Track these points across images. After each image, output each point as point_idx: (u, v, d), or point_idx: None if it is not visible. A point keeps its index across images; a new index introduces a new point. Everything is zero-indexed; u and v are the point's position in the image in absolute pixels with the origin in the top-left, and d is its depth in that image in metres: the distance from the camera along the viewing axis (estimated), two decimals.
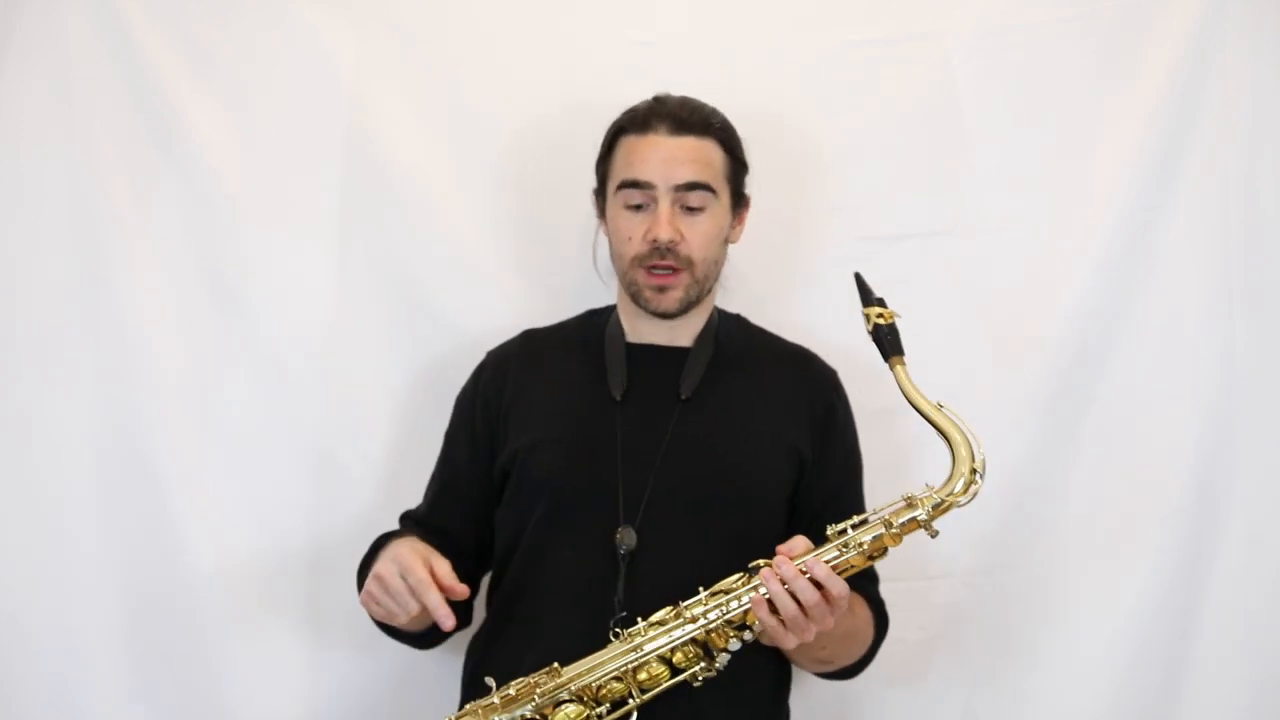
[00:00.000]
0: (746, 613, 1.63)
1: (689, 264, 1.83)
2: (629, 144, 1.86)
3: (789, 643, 1.63)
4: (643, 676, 1.65)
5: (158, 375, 2.13)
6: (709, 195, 1.84)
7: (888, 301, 2.16)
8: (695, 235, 1.83)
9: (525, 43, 2.21)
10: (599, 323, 1.96)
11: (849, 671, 1.89)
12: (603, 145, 1.92)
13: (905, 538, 1.66)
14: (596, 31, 2.22)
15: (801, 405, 1.89)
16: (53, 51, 2.10)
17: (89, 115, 2.11)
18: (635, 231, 1.83)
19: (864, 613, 1.85)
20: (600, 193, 1.93)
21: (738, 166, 1.91)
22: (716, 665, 1.65)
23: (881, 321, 1.71)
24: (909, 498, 1.66)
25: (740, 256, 2.22)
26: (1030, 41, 2.23)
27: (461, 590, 1.66)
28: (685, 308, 1.86)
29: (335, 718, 2.16)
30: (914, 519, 1.64)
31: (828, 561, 1.63)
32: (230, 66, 2.16)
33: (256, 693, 2.12)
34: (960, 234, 2.23)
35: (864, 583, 1.87)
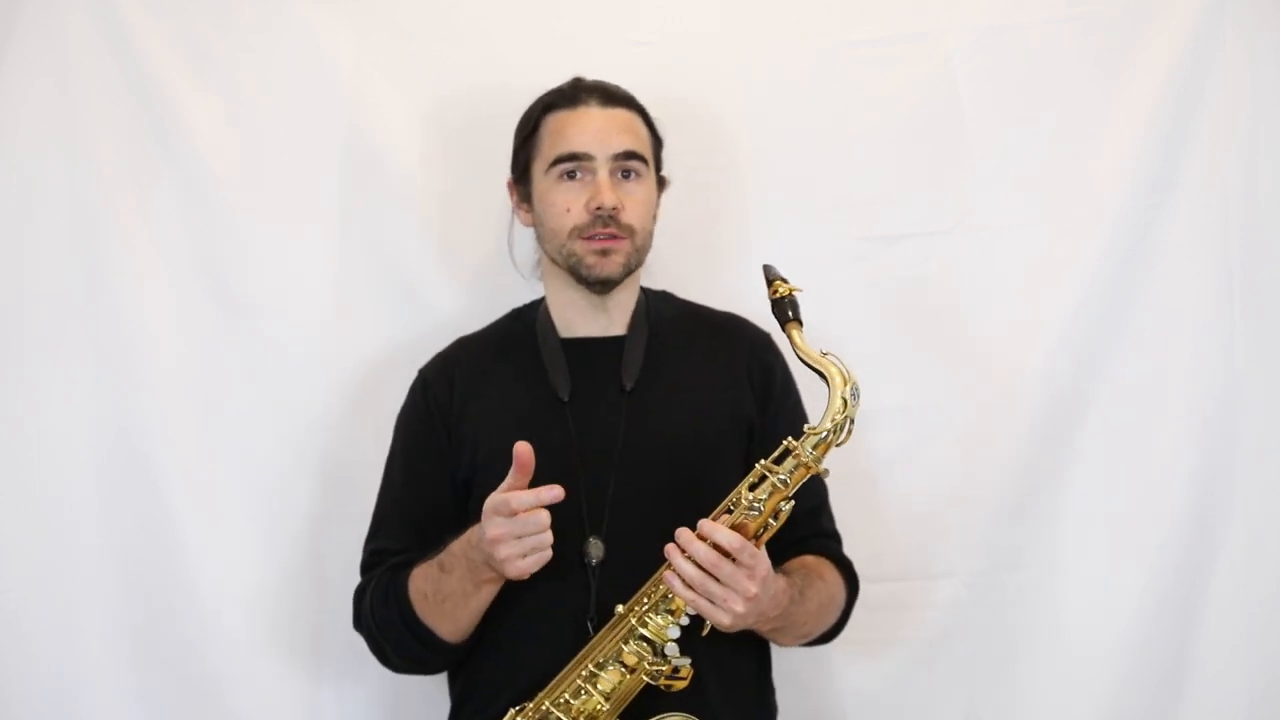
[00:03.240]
0: (667, 596, 1.62)
1: (630, 232, 1.82)
2: (558, 120, 1.85)
3: (722, 618, 1.59)
4: (604, 686, 1.65)
5: (158, 375, 2.13)
6: (643, 165, 1.85)
7: (875, 299, 2.17)
8: (634, 203, 1.83)
9: (525, 43, 2.21)
10: (528, 322, 1.93)
11: (827, 636, 1.87)
12: (523, 127, 1.90)
13: (798, 484, 1.63)
14: (596, 32, 2.21)
15: (740, 371, 1.89)
16: (53, 50, 2.09)
17: (89, 114, 2.11)
18: (574, 202, 1.81)
19: (834, 577, 1.84)
20: (522, 179, 1.90)
21: (658, 145, 1.92)
22: (669, 656, 1.63)
23: (783, 293, 1.69)
24: (788, 442, 1.63)
25: (738, 256, 2.22)
26: (1030, 41, 2.23)
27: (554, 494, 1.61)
28: (625, 274, 1.84)
29: (337, 715, 2.16)
30: (799, 461, 1.62)
31: (727, 525, 1.60)
32: (229, 65, 2.16)
33: (256, 692, 2.12)
34: (960, 234, 2.23)
35: (828, 543, 1.89)
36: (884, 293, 2.23)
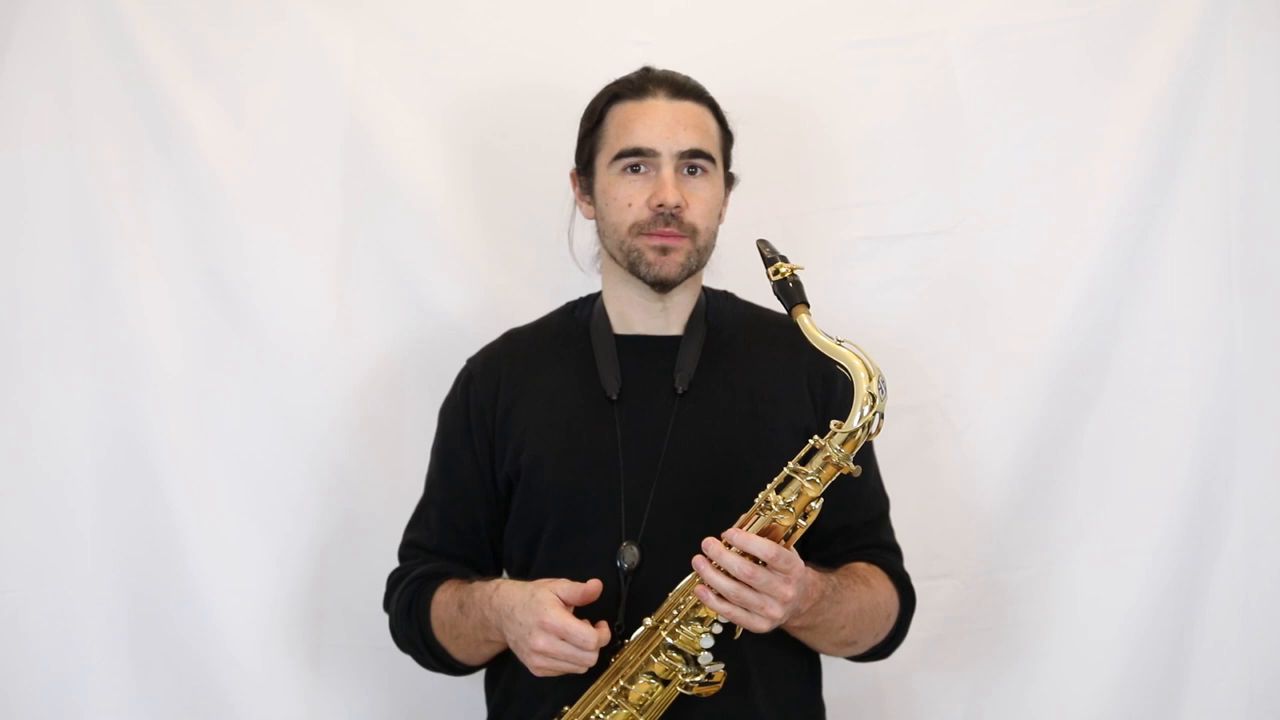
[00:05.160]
0: (698, 606, 1.58)
1: (692, 232, 1.75)
2: (625, 111, 1.77)
3: (758, 624, 1.55)
4: (635, 698, 1.62)
5: (157, 375, 2.13)
6: (709, 163, 1.77)
7: (875, 299, 2.16)
8: (698, 202, 1.75)
9: (525, 44, 2.21)
10: (582, 317, 1.87)
11: (880, 651, 1.80)
12: (589, 117, 1.82)
13: (827, 482, 1.58)
14: (597, 33, 2.21)
15: (800, 380, 1.80)
16: (53, 51, 2.10)
17: (89, 115, 2.11)
18: (636, 197, 1.74)
19: (884, 586, 1.77)
20: (585, 170, 1.83)
21: (727, 140, 1.84)
22: (703, 666, 1.60)
23: (785, 274, 1.63)
24: (815, 441, 1.58)
25: (738, 257, 2.22)
26: (1030, 42, 2.23)
27: (605, 635, 1.61)
28: (685, 275, 1.76)
29: (337, 715, 2.16)
30: (827, 459, 1.56)
31: (756, 530, 1.56)
32: (230, 66, 2.16)
33: (257, 692, 2.12)
34: (960, 234, 2.24)
35: (885, 555, 1.81)
36: (884, 293, 2.23)
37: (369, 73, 2.19)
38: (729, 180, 1.86)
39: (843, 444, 1.57)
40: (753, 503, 1.59)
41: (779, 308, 1.69)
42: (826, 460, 1.57)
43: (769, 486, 1.58)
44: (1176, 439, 2.21)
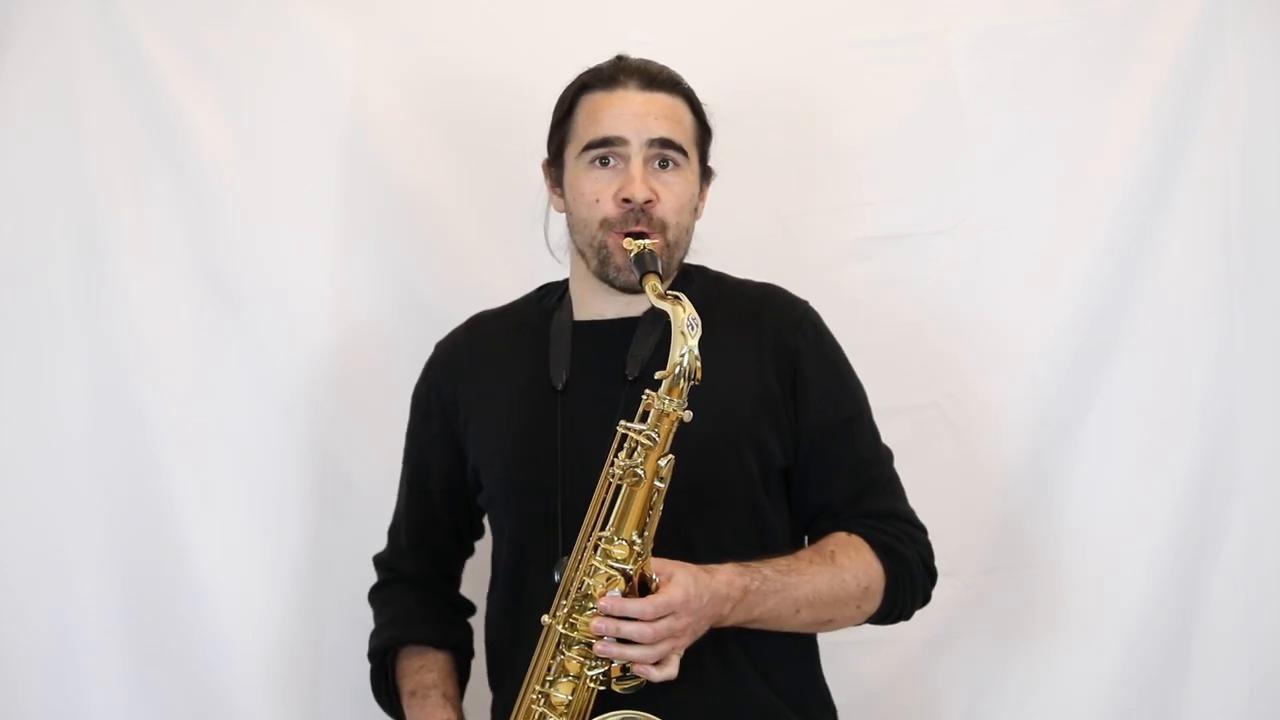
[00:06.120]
0: (587, 594, 1.51)
1: (662, 228, 1.65)
2: (594, 101, 1.70)
3: (665, 671, 1.49)
4: (559, 702, 1.53)
5: (158, 374, 2.13)
6: (681, 155, 1.69)
7: (875, 299, 2.17)
8: (669, 196, 1.66)
9: (525, 42, 2.21)
10: (548, 305, 1.80)
11: (884, 619, 1.71)
12: (560, 107, 1.75)
13: (668, 435, 1.50)
14: (597, 31, 2.21)
15: (764, 356, 1.69)
16: (55, 51, 2.10)
17: (91, 115, 2.11)
18: (604, 192, 1.66)
19: (859, 558, 1.64)
20: (555, 161, 1.76)
21: (704, 133, 1.76)
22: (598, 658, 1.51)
23: (638, 249, 1.59)
24: (646, 395, 1.50)
25: (739, 257, 2.22)
26: (1030, 41, 2.24)
27: None
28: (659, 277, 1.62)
29: (337, 713, 2.16)
30: (660, 412, 1.49)
31: (604, 591, 1.49)
32: (231, 66, 2.16)
33: (258, 692, 2.12)
34: (960, 233, 2.24)
35: (867, 523, 1.68)
36: (884, 293, 2.23)
37: (369, 73, 2.19)
38: (706, 175, 1.79)
39: (668, 392, 1.50)
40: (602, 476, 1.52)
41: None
42: (660, 412, 1.49)
43: (610, 452, 1.52)
44: (1176, 439, 2.22)
